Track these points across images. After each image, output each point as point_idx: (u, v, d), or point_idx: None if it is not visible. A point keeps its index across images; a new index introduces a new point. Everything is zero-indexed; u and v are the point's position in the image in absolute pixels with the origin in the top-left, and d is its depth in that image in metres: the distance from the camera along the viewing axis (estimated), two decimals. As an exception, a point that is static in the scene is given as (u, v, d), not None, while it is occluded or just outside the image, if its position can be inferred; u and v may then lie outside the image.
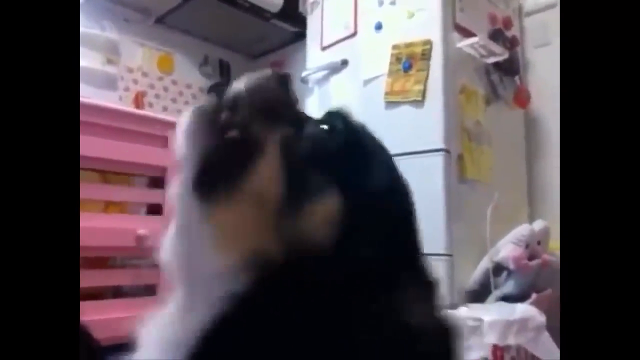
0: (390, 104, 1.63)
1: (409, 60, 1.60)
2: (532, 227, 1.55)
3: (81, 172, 1.30)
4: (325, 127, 0.45)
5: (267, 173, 0.41)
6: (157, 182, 1.54)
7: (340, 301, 0.36)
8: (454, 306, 1.26)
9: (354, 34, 1.83)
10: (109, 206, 1.45)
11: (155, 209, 1.53)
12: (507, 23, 1.82)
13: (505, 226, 1.53)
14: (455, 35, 1.60)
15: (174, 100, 2.75)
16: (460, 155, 1.52)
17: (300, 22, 2.38)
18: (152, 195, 1.53)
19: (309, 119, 0.47)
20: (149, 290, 1.46)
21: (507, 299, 1.39)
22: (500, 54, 1.67)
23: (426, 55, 1.57)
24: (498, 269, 1.45)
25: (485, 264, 1.46)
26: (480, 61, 1.67)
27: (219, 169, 0.42)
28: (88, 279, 1.29)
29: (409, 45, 1.61)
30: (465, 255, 1.47)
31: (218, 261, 0.38)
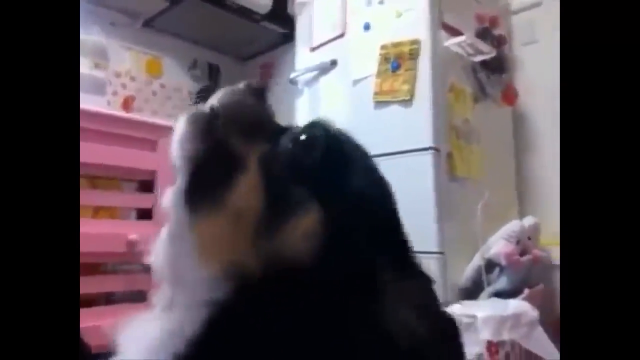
0: (380, 104, 1.63)
1: (397, 60, 1.61)
2: (522, 223, 1.56)
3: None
4: (304, 137, 0.45)
5: (246, 189, 0.41)
6: (147, 186, 1.53)
7: (323, 310, 0.36)
8: (447, 304, 1.27)
9: (342, 35, 1.83)
10: (98, 211, 1.43)
11: (145, 213, 1.52)
12: (494, 22, 1.83)
13: (496, 223, 1.54)
14: (443, 34, 1.61)
15: (163, 104, 2.73)
16: (450, 154, 1.53)
17: (289, 23, 2.38)
18: (142, 200, 1.52)
19: (286, 130, 0.47)
20: (141, 297, 1.45)
21: (499, 295, 1.40)
22: (488, 53, 1.68)
23: (414, 55, 1.57)
24: (490, 265, 1.46)
25: (477, 261, 1.47)
26: (468, 60, 1.68)
27: (204, 182, 0.43)
28: (80, 285, 1.28)
29: (396, 45, 1.62)
30: (457, 252, 1.47)
31: (200, 269, 0.40)
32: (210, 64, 2.98)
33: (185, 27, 2.68)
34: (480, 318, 1.15)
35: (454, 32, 1.63)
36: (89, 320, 1.26)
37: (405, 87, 1.57)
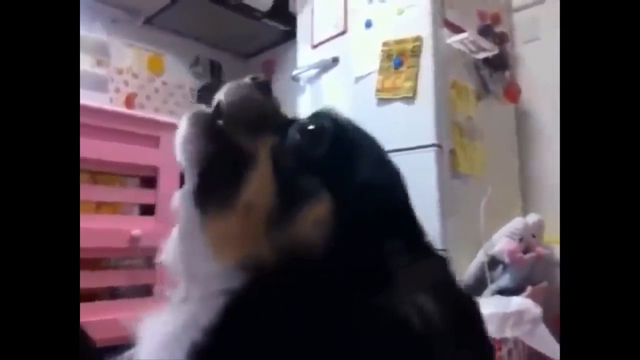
0: (382, 101, 1.63)
1: (399, 57, 1.60)
2: (526, 221, 1.56)
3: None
4: (312, 127, 0.45)
5: (257, 185, 0.41)
6: (149, 182, 1.53)
7: (337, 298, 0.36)
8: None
9: (344, 32, 1.83)
10: (101, 207, 1.44)
11: (148, 209, 1.52)
12: (496, 19, 1.83)
13: (499, 220, 1.54)
14: (445, 31, 1.60)
15: (165, 101, 2.73)
16: (453, 151, 1.53)
17: (290, 20, 2.37)
18: (145, 195, 1.52)
19: (294, 122, 0.47)
20: (144, 291, 1.45)
21: (503, 292, 1.39)
22: (490, 50, 1.68)
23: (416, 52, 1.57)
24: (493, 262, 1.46)
25: (480, 258, 1.46)
26: (470, 57, 1.68)
27: (213, 183, 0.43)
28: (82, 280, 1.28)
29: (399, 42, 1.61)
30: (460, 249, 1.47)
31: (214, 264, 0.40)
32: (212, 61, 2.98)
33: (187, 24, 2.68)
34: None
35: (456, 29, 1.62)
36: (93, 314, 1.26)
37: (408, 84, 1.56)
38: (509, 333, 1.17)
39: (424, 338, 0.33)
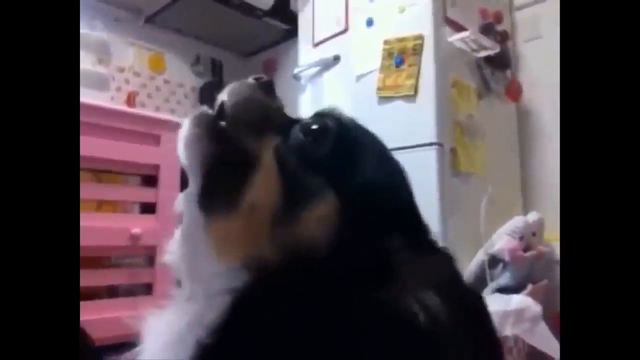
0: (383, 99, 1.63)
1: (400, 55, 1.60)
2: (526, 219, 1.56)
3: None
4: (315, 126, 0.44)
5: (261, 185, 0.41)
6: (150, 180, 1.53)
7: (342, 296, 0.36)
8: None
9: (345, 30, 1.83)
10: (102, 205, 1.44)
11: (148, 207, 1.52)
12: (498, 17, 1.83)
13: (500, 218, 1.54)
14: (447, 29, 1.60)
15: (166, 100, 2.73)
16: (454, 149, 1.53)
17: (291, 19, 2.37)
18: (146, 194, 1.53)
19: (296, 122, 0.47)
20: (144, 289, 1.45)
21: (503, 290, 1.39)
22: (492, 48, 1.68)
23: (418, 50, 1.57)
24: (494, 261, 1.46)
25: (480, 256, 1.46)
26: (472, 55, 1.68)
27: (217, 185, 0.43)
28: (82, 278, 1.28)
29: (400, 40, 1.61)
30: (461, 248, 1.47)
31: (218, 264, 0.40)
32: (213, 60, 2.98)
33: (188, 23, 2.68)
34: (483, 313, 1.15)
35: (458, 27, 1.62)
36: (92, 313, 1.27)
37: (409, 82, 1.56)
38: (509, 331, 1.17)
39: (431, 334, 0.33)
